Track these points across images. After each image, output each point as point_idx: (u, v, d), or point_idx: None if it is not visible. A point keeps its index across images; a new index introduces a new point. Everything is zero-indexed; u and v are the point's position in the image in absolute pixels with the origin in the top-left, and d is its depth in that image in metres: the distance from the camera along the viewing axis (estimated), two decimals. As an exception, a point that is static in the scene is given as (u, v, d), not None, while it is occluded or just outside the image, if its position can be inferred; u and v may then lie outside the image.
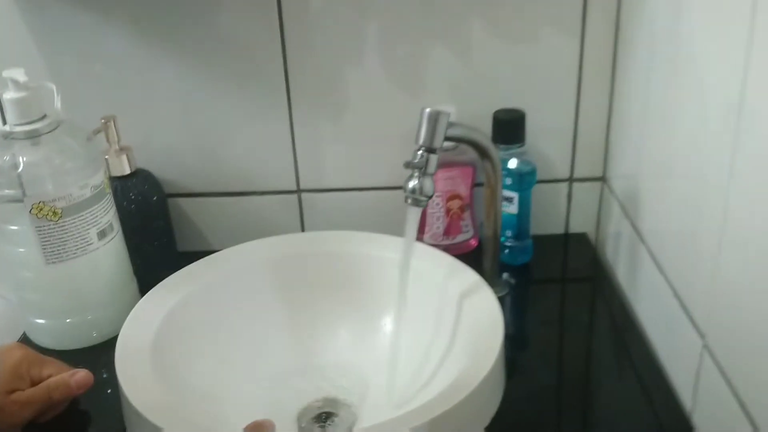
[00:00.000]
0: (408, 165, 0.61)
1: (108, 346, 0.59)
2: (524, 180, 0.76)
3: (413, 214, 0.62)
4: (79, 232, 0.65)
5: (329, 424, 0.60)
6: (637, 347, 0.68)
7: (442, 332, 0.63)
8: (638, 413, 0.61)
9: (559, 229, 0.86)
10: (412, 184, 0.61)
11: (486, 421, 0.54)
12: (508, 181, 0.75)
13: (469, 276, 0.64)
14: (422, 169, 0.61)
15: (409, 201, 0.61)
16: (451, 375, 0.55)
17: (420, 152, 0.61)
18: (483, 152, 0.66)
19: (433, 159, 0.61)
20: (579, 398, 0.65)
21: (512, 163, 0.75)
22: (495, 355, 0.54)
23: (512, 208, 0.77)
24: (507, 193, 0.76)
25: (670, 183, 0.63)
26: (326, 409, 0.62)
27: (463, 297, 0.62)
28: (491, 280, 0.68)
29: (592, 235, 0.86)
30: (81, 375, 0.60)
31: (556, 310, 0.76)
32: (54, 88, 0.64)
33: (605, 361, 0.69)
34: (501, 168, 0.68)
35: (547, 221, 0.84)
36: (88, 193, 0.65)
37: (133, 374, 0.54)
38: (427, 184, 0.61)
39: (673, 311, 0.61)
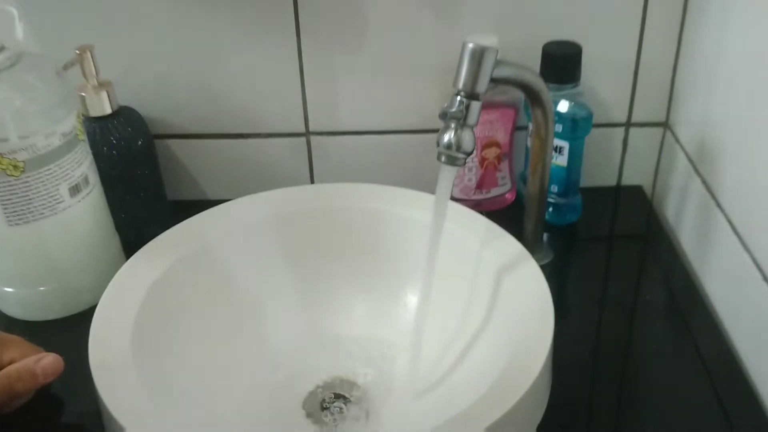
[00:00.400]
0: (443, 115, 0.52)
1: (86, 317, 0.54)
2: (578, 127, 0.68)
3: (447, 174, 0.53)
4: (46, 189, 0.59)
5: (339, 412, 0.56)
6: (707, 336, 0.61)
7: (475, 310, 0.58)
8: (709, 421, 0.53)
9: (610, 181, 0.79)
10: (447, 137, 0.52)
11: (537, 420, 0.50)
12: (558, 127, 0.67)
13: (509, 244, 0.58)
14: (461, 119, 0.52)
15: (443, 159, 0.53)
16: (484, 361, 0.52)
17: (459, 98, 0.52)
18: (535, 97, 0.57)
19: (475, 107, 0.52)
20: (633, 396, 0.57)
21: (563, 106, 0.67)
22: (546, 349, 0.49)
23: (561, 160, 0.69)
24: (556, 141, 0.68)
25: (762, 136, 0.54)
26: (337, 393, 0.58)
27: (502, 270, 0.56)
28: (533, 246, 0.64)
29: (648, 189, 0.79)
30: (48, 360, 0.53)
31: (606, 277, 0.70)
32: (14, 12, 0.59)
33: (667, 350, 0.60)
34: (554, 115, 0.60)
35: (597, 171, 0.77)
36: (56, 141, 0.58)
37: (111, 360, 0.50)
38: (467, 137, 0.52)
39: (763, 299, 0.54)
